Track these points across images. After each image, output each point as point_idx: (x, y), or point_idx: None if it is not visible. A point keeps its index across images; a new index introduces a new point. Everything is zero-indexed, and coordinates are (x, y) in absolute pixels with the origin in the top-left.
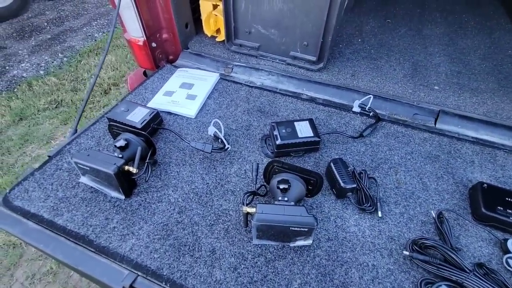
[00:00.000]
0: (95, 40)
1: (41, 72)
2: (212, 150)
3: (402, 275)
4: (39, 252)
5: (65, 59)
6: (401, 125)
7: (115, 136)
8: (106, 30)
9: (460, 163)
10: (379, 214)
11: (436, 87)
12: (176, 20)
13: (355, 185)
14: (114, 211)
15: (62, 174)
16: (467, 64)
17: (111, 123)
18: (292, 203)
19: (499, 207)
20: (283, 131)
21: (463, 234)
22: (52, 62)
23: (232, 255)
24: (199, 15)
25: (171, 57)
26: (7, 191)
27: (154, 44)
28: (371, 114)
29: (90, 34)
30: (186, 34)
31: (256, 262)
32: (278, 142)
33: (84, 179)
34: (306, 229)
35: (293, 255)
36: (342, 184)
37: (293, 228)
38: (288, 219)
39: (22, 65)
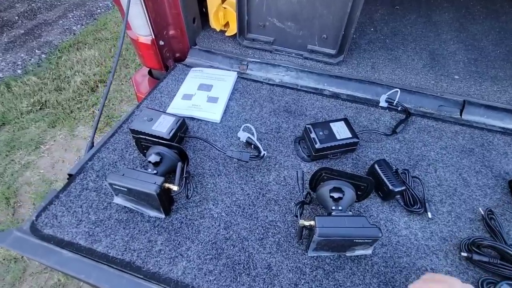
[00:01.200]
0: (74, 34)
1: (19, 71)
2: (250, 159)
3: (461, 277)
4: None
5: (43, 55)
6: (431, 119)
7: (142, 149)
8: (85, 22)
9: (495, 155)
10: (429, 215)
11: (456, 77)
12: (184, 15)
13: (404, 187)
14: (156, 232)
15: (90, 195)
16: (482, 51)
17: (138, 136)
18: (350, 213)
19: None
20: (321, 133)
21: (510, 228)
22: (30, 59)
23: (289, 270)
24: (206, 8)
25: (178, 54)
26: (34, 218)
27: (162, 42)
28: (399, 108)
29: (67, 27)
30: (193, 30)
31: (316, 276)
32: (318, 146)
33: (118, 200)
34: (369, 240)
35: (351, 265)
36: (391, 187)
37: (356, 240)
38: (351, 232)
39: None
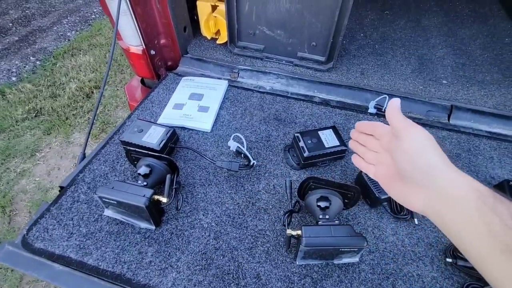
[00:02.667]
0: (69, 40)
1: (13, 78)
2: (239, 168)
3: (447, 282)
4: None
5: (38, 62)
6: (419, 125)
7: (132, 160)
8: (79, 27)
9: (481, 160)
10: (415, 221)
11: (444, 81)
12: (175, 24)
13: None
14: (147, 243)
15: (81, 207)
16: (469, 55)
17: (129, 148)
18: (337, 221)
19: None
20: (309, 141)
21: None
22: (24, 67)
23: (278, 279)
24: (197, 16)
25: (169, 63)
26: (25, 232)
27: (153, 52)
28: None
29: (62, 33)
30: (185, 38)
31: (304, 284)
32: (306, 154)
33: (108, 212)
34: (356, 249)
35: (338, 272)
36: (377, 195)
37: (342, 249)
38: (337, 242)
39: None
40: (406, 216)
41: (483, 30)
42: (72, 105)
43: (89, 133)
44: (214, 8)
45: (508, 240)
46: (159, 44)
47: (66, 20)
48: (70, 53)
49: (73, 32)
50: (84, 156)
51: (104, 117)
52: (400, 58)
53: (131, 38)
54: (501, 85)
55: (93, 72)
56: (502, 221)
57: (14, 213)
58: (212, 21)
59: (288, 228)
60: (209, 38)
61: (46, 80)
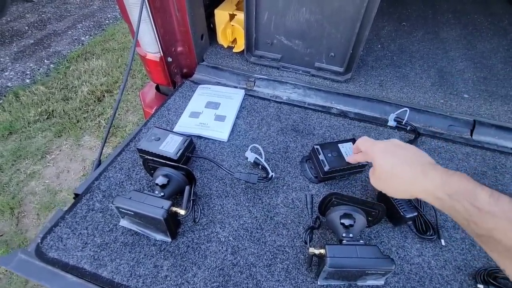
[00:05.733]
0: (82, 44)
1: (27, 80)
2: (258, 181)
3: None
4: None
5: (51, 65)
6: (441, 140)
7: (149, 169)
8: (93, 32)
9: (508, 179)
10: (442, 242)
11: (466, 95)
12: (193, 32)
13: (416, 213)
14: (162, 256)
15: (96, 216)
16: (491, 69)
17: (146, 156)
18: (362, 241)
19: None
20: (329, 155)
21: None
22: (38, 69)
23: None
24: (213, 24)
25: (185, 70)
26: (39, 240)
27: (169, 59)
28: (408, 128)
29: (76, 37)
30: (201, 46)
31: None
32: (326, 168)
33: (124, 222)
34: (382, 272)
35: None
36: (402, 213)
37: (368, 271)
38: (363, 263)
39: (6, 73)
40: (432, 237)
41: (503, 44)
42: (83, 108)
43: (105, 140)
44: (231, 16)
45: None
46: (176, 51)
47: (81, 24)
48: (84, 57)
49: (87, 36)
50: (99, 163)
51: (115, 121)
52: (419, 71)
53: (149, 45)
54: None
55: (105, 76)
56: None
57: (22, 215)
58: (230, 29)
59: (310, 246)
60: (225, 46)
61: (59, 83)
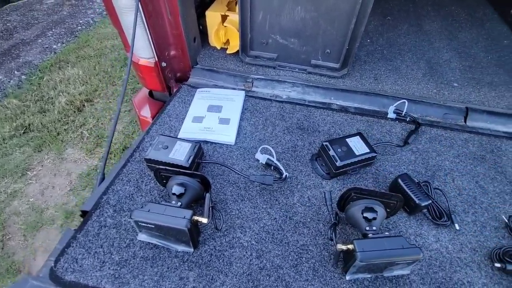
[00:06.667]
0: (55, 53)
1: None
2: (273, 182)
3: (497, 287)
4: None
5: (23, 77)
6: (440, 128)
7: (161, 179)
8: (66, 39)
9: (505, 161)
10: (456, 226)
11: (455, 84)
12: (186, 35)
13: (430, 201)
14: (187, 268)
15: (110, 232)
16: (474, 58)
17: (156, 166)
18: (387, 233)
19: None
20: (339, 150)
21: None
22: (9, 82)
23: None
24: (203, 26)
25: (179, 74)
26: (52, 264)
27: (164, 64)
28: (408, 119)
29: (47, 46)
30: (194, 49)
31: None
32: (338, 163)
33: (142, 236)
34: (410, 261)
35: (390, 285)
36: (417, 202)
37: (397, 262)
38: (392, 254)
39: None
40: (446, 222)
41: (482, 34)
42: (63, 119)
43: (108, 152)
44: (223, 18)
45: None
46: (169, 55)
47: (51, 32)
48: (57, 66)
49: (59, 44)
50: (103, 177)
51: (98, 130)
52: (409, 63)
53: (143, 50)
54: (510, 86)
55: (83, 85)
56: None
57: (7, 237)
58: (222, 31)
59: (338, 243)
60: (219, 48)
61: (33, 95)
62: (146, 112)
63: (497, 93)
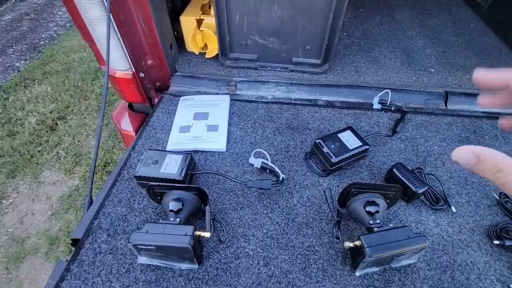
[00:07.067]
0: (18, 71)
1: None
2: (272, 185)
3: (498, 264)
4: None
5: None
6: (424, 114)
7: (155, 196)
8: (29, 56)
9: (488, 139)
10: (453, 209)
11: (432, 70)
12: (162, 43)
13: (426, 187)
14: (193, 286)
15: (106, 259)
16: (446, 43)
17: (150, 183)
18: (391, 225)
19: None
20: (332, 146)
21: None
22: None
23: None
24: (177, 32)
25: (158, 84)
26: None
27: (142, 74)
28: (393, 108)
29: (9, 64)
30: (172, 56)
31: None
32: (334, 160)
33: (142, 259)
34: (417, 249)
35: (399, 276)
36: (414, 190)
37: (406, 252)
38: (400, 246)
39: None
40: (443, 206)
41: (449, 19)
42: (35, 141)
43: (93, 174)
44: (199, 22)
45: None
46: (146, 65)
47: (12, 49)
48: (23, 84)
49: (22, 61)
50: (91, 200)
51: (75, 149)
52: (386, 53)
53: (118, 62)
54: (482, 67)
55: (53, 102)
56: None
57: None
58: (199, 35)
59: (346, 240)
60: (197, 53)
61: (0, 118)
62: (127, 126)
63: (471, 75)
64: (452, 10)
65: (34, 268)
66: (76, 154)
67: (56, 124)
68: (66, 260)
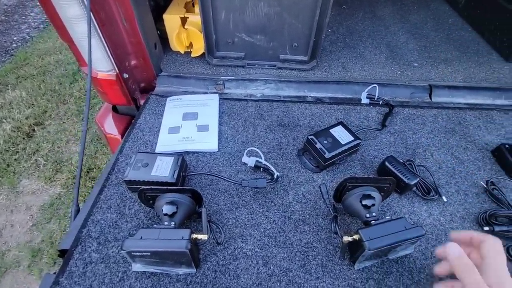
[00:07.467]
0: None
1: None
2: (267, 184)
3: None
4: None
5: None
6: (410, 107)
7: (147, 200)
8: (1, 60)
9: (472, 130)
10: (444, 199)
11: (415, 64)
12: (146, 42)
13: (418, 179)
14: None
15: (98, 268)
16: (427, 38)
17: (141, 187)
18: (388, 217)
19: None
20: (325, 142)
21: (509, 194)
22: None
23: None
24: (160, 31)
25: (143, 84)
26: None
27: (126, 75)
28: (381, 102)
29: None
30: (157, 56)
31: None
32: (327, 155)
33: (137, 266)
34: (414, 240)
35: (396, 267)
36: (407, 181)
37: (403, 243)
38: (398, 237)
39: None
40: (434, 196)
41: (428, 14)
42: (11, 149)
43: (79, 181)
44: (183, 20)
45: None
46: (130, 65)
47: None
48: None
49: None
50: (78, 208)
51: (55, 155)
52: (371, 48)
53: (101, 63)
54: (461, 60)
55: (29, 107)
56: None
57: None
58: (184, 34)
59: (343, 235)
60: (182, 52)
61: None
62: (112, 130)
63: (452, 69)
64: (431, 6)
65: (16, 282)
66: (56, 161)
67: (33, 130)
68: (54, 273)
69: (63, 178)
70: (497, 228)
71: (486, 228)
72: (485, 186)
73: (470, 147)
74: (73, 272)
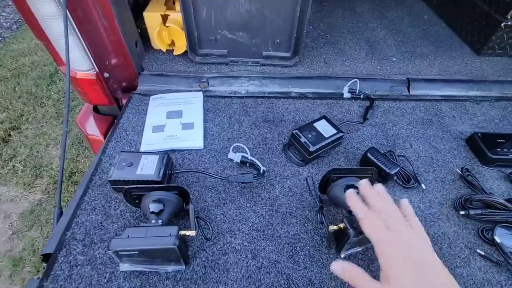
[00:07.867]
0: None
1: None
2: (254, 178)
3: (465, 232)
4: None
5: None
6: (390, 100)
7: (133, 199)
8: None
9: (447, 120)
10: (423, 186)
11: (394, 59)
12: (126, 41)
13: (398, 168)
14: (182, 287)
15: (84, 270)
16: (404, 33)
17: (126, 186)
18: None
19: (497, 149)
20: (309, 136)
21: (482, 179)
22: None
23: (331, 278)
24: (141, 29)
25: (124, 84)
26: None
27: (106, 74)
28: (362, 96)
29: None
30: (138, 54)
31: None
32: (312, 149)
33: (125, 266)
34: None
35: None
36: (388, 171)
37: None
38: None
39: None
40: (414, 184)
41: (405, 11)
42: None
43: (61, 184)
44: (164, 17)
45: None
46: (110, 64)
47: None
48: None
49: None
50: (61, 211)
51: (34, 160)
52: (351, 44)
53: (79, 62)
54: (436, 54)
55: (3, 111)
56: None
57: None
58: (165, 31)
59: (329, 225)
60: (164, 50)
61: None
62: (94, 131)
63: (428, 63)
64: (407, 3)
65: None
66: (35, 166)
67: (9, 135)
68: (38, 278)
69: (43, 184)
70: (472, 212)
71: (462, 212)
72: (461, 173)
73: (446, 137)
74: (58, 276)
